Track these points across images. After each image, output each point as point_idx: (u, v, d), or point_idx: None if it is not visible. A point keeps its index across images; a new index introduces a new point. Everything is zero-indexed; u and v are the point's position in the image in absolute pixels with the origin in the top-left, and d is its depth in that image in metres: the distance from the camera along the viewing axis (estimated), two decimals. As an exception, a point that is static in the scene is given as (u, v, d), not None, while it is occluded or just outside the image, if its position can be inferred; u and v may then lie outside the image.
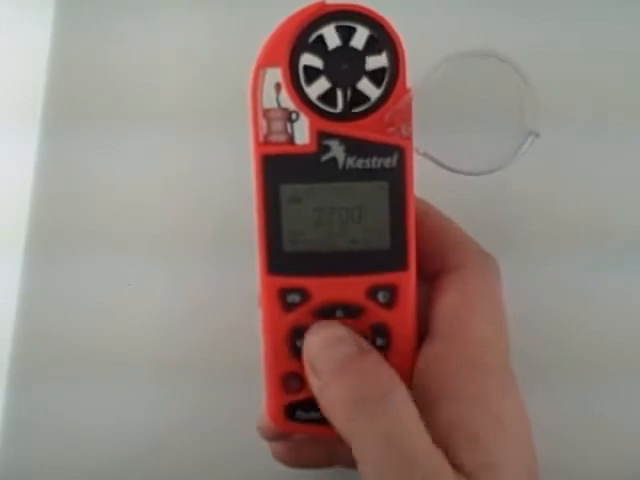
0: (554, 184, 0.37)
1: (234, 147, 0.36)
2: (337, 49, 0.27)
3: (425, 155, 0.27)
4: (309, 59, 0.27)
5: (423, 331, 0.29)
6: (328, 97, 0.28)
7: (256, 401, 0.31)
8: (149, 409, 0.37)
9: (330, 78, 0.28)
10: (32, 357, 0.37)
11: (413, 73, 0.27)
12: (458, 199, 0.31)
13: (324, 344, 0.28)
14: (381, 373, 0.26)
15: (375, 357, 0.27)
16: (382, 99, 0.27)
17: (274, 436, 0.31)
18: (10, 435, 0.36)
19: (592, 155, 0.37)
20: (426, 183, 0.28)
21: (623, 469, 0.35)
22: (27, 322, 0.38)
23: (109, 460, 0.36)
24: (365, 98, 0.28)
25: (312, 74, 0.28)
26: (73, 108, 0.39)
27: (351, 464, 0.32)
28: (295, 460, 0.32)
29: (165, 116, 0.39)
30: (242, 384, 0.34)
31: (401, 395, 0.26)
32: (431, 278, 0.30)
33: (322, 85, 0.28)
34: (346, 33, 0.27)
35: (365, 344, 0.28)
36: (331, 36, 0.27)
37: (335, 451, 0.32)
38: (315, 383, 0.28)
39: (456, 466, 0.25)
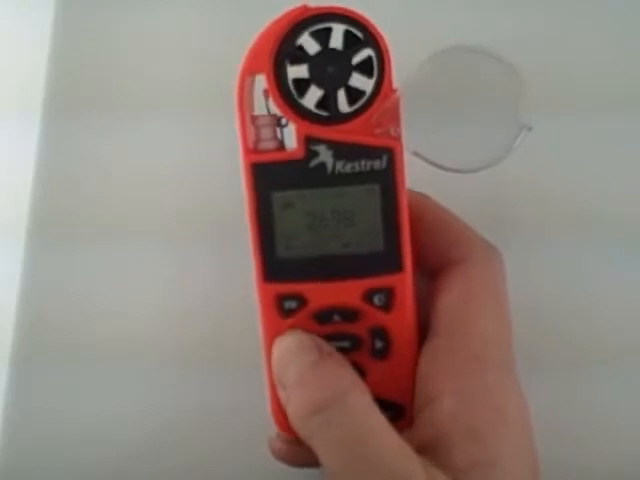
0: (552, 173, 0.36)
1: (236, 140, 0.36)
2: (319, 53, 0.27)
3: (416, 154, 0.27)
4: (295, 70, 0.27)
5: (425, 325, 0.29)
6: (324, 103, 0.27)
7: (256, 399, 0.31)
8: (150, 405, 0.36)
9: (320, 84, 0.27)
10: (33, 351, 0.37)
11: (398, 72, 0.27)
12: (455, 190, 0.30)
13: (285, 356, 0.28)
14: (336, 376, 0.26)
15: (333, 361, 0.27)
16: (369, 100, 0.27)
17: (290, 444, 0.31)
18: (10, 433, 0.36)
19: (589, 143, 0.36)
20: (421, 176, 0.28)
21: (625, 465, 0.34)
22: (28, 315, 0.37)
23: (110, 457, 0.36)
24: (360, 93, 0.27)
25: (302, 85, 0.27)
26: (74, 103, 0.39)
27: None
28: (294, 459, 0.31)
29: (166, 108, 0.39)
30: (243, 381, 0.34)
31: (357, 394, 0.25)
32: (434, 272, 0.30)
33: (315, 93, 0.27)
34: (323, 36, 0.27)
35: (327, 348, 0.27)
36: (309, 43, 0.27)
37: None
38: (282, 398, 0.27)
39: (449, 462, 0.25)
